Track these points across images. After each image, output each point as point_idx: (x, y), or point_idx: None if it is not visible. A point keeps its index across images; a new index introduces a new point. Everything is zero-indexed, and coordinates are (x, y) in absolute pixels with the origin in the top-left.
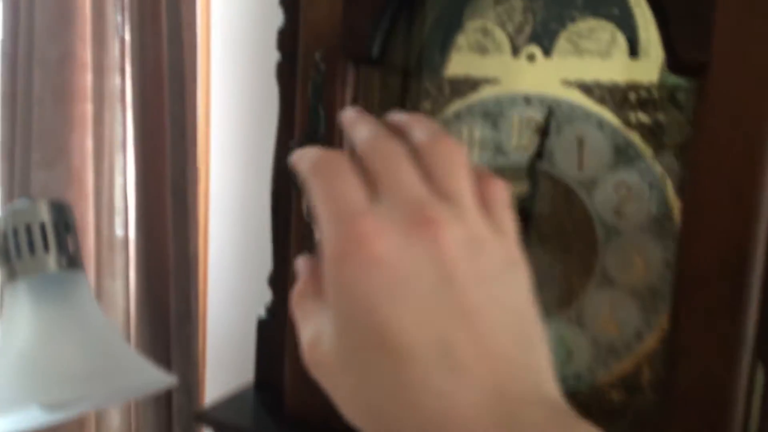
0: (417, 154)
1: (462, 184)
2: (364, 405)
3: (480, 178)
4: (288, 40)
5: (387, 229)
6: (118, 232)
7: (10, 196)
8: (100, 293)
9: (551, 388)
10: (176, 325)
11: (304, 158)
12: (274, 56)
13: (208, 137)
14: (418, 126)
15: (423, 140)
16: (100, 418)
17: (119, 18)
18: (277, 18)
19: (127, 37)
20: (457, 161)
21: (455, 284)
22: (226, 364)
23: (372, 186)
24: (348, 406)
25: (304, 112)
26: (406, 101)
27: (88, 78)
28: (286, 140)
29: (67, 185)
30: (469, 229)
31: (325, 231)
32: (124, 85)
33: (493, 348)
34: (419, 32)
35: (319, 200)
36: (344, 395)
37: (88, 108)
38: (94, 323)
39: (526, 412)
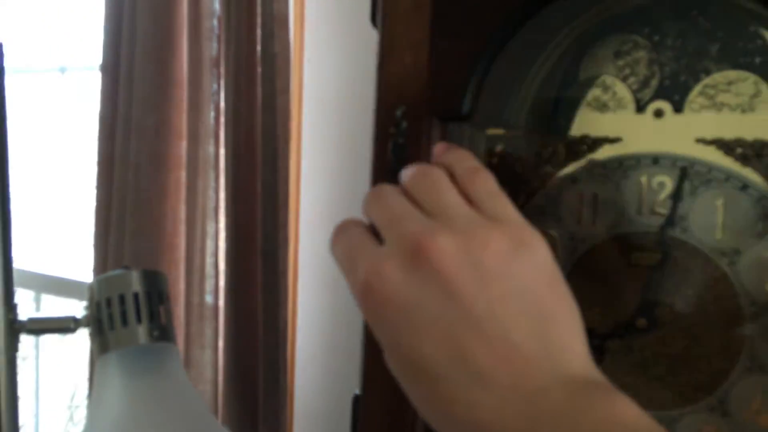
0: (406, 190)
1: (444, 195)
2: (426, 416)
3: (459, 177)
4: None
5: (390, 270)
6: (208, 299)
7: (103, 262)
8: (188, 363)
9: (572, 362)
10: (264, 398)
11: (334, 233)
12: (365, 120)
13: (298, 203)
14: (404, 170)
15: (405, 178)
16: None
17: (215, 86)
18: (369, 82)
19: (222, 104)
20: (433, 176)
21: (461, 297)
22: None
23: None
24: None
25: (380, 176)
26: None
27: (183, 145)
28: None
29: (160, 252)
30: (463, 236)
31: (348, 283)
32: (218, 152)
33: (507, 349)
34: (528, 87)
35: (338, 260)
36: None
37: (182, 175)
38: (184, 398)
39: (545, 400)
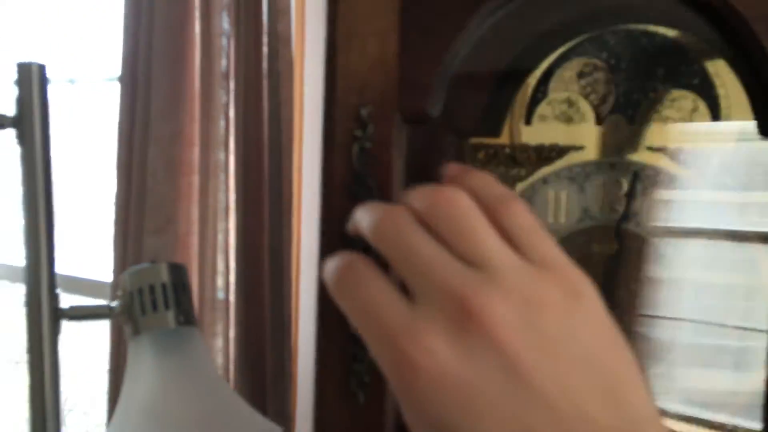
0: (426, 219)
1: (480, 234)
2: None
3: (489, 207)
4: None
5: (435, 341)
6: (220, 294)
7: (123, 259)
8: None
9: (650, 427)
10: (272, 382)
11: (327, 268)
12: None
13: (300, 205)
14: (416, 193)
15: (422, 204)
16: None
17: (225, 98)
18: None
19: (232, 115)
20: (461, 206)
21: (524, 372)
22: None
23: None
24: None
25: (335, 190)
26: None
27: (196, 152)
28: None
29: (174, 250)
30: (515, 294)
31: (373, 352)
32: (228, 158)
33: (584, 426)
34: (506, 102)
35: (354, 319)
36: None
37: (195, 180)
38: (208, 374)
39: None
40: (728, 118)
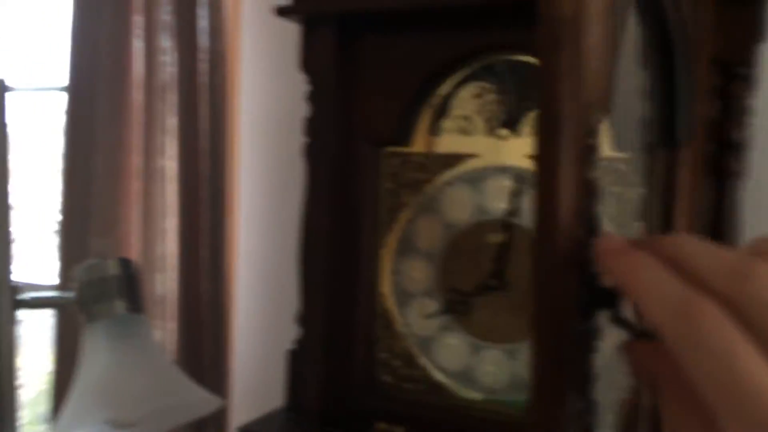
0: (736, 311)
1: None
2: None
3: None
4: (313, 126)
5: None
6: (159, 289)
7: (68, 260)
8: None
9: None
10: (209, 369)
11: (653, 294)
12: (294, 139)
13: (238, 208)
14: (713, 263)
15: (730, 287)
16: None
17: (164, 109)
18: (300, 106)
19: (172, 125)
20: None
21: None
22: (250, 406)
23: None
24: None
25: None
26: (404, 173)
27: (138, 159)
28: (313, 205)
29: (118, 251)
30: None
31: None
32: (168, 165)
33: None
34: (416, 117)
35: (701, 367)
36: None
37: (137, 185)
38: (155, 355)
39: None
40: None
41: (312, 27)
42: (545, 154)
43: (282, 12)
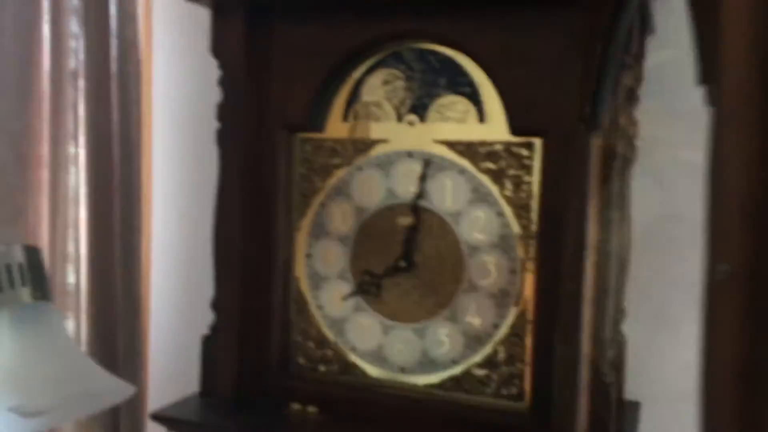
0: None
1: None
2: None
3: None
4: (225, 111)
5: None
6: (71, 279)
7: None
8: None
9: None
10: (124, 359)
11: None
12: (209, 124)
13: (151, 195)
14: None
15: None
16: None
17: (74, 96)
18: (208, 95)
19: (81, 111)
20: None
21: None
22: (167, 393)
23: None
24: None
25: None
26: (318, 158)
27: (46, 147)
28: (227, 191)
29: (25, 240)
30: None
31: None
32: (78, 152)
33: None
34: (327, 103)
35: None
36: None
37: (45, 173)
38: (63, 343)
39: None
40: (491, 119)
41: (222, 13)
42: None
43: None
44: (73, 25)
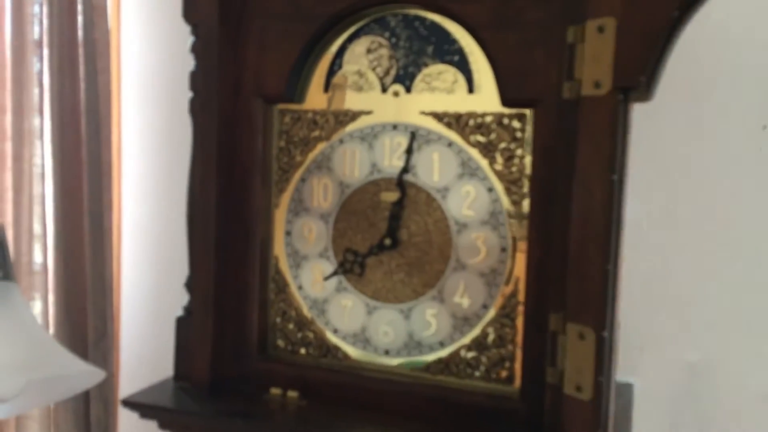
0: None
1: None
2: None
3: None
4: (199, 80)
5: None
6: (37, 258)
7: None
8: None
9: None
10: (94, 342)
11: None
12: (182, 95)
13: (120, 168)
14: None
15: None
16: (20, 427)
17: (38, 65)
18: (180, 64)
19: (47, 82)
20: None
21: None
22: (139, 378)
23: None
24: None
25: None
26: (297, 130)
27: (8, 119)
28: (202, 165)
29: None
30: None
31: None
32: (43, 124)
33: None
34: (308, 73)
35: None
36: None
37: (8, 146)
38: (28, 324)
39: None
40: (480, 90)
41: None
42: None
43: None
44: None
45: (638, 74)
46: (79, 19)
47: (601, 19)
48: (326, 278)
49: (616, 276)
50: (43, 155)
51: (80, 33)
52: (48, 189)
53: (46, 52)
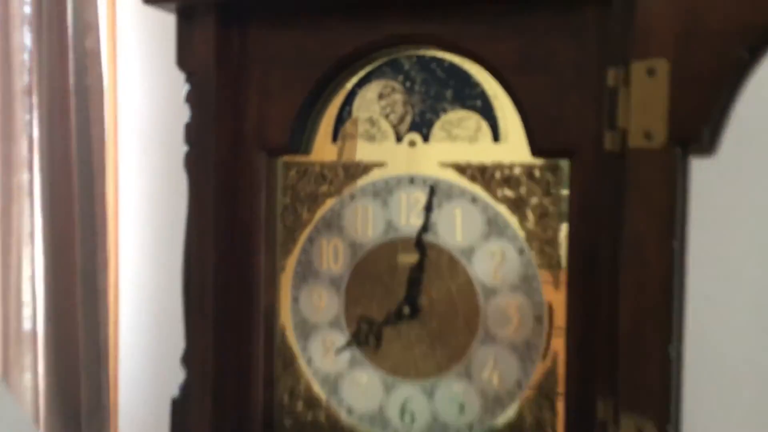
0: None
1: None
2: None
3: None
4: (195, 132)
5: None
6: (26, 325)
7: None
8: (7, 388)
9: None
10: (87, 415)
11: None
12: (177, 147)
13: (117, 226)
14: None
15: None
16: None
17: (27, 116)
18: (182, 112)
19: (36, 134)
20: None
21: None
22: None
23: None
24: None
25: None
26: (302, 184)
27: None
28: (198, 225)
29: None
30: None
31: None
32: (32, 179)
33: None
34: (314, 122)
35: None
36: None
37: None
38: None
39: None
40: (506, 138)
41: (188, 17)
42: None
43: None
44: (26, 37)
45: (699, 124)
46: (71, 66)
47: (651, 60)
48: (338, 351)
49: (680, 359)
50: (33, 213)
51: (71, 80)
52: (37, 248)
53: (35, 100)
